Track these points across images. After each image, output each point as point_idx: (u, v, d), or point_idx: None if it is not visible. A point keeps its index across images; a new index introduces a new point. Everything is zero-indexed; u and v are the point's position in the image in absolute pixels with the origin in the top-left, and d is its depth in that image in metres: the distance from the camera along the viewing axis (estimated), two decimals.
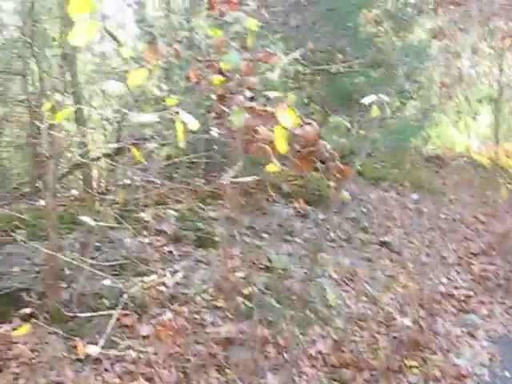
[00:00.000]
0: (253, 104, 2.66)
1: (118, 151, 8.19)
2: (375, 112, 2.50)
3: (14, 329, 3.43)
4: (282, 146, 2.17)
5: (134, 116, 2.16)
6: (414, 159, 8.49)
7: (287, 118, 2.11)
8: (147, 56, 2.58)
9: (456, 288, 5.75)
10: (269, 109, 2.56)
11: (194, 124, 1.98)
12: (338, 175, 2.80)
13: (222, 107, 2.58)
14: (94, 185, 7.82)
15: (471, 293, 5.72)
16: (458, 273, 6.15)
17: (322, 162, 2.80)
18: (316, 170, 2.93)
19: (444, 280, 5.83)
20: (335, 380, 3.79)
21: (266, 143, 2.51)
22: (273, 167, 2.32)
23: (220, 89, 2.60)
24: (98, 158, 8.08)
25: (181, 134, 2.00)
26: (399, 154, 8.56)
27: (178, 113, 1.95)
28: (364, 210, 6.56)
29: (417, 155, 8.84)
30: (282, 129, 2.14)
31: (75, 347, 3.58)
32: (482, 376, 4.13)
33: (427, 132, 9.59)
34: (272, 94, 2.35)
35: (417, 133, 9.25)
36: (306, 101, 7.22)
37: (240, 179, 2.71)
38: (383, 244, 6.07)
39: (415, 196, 7.23)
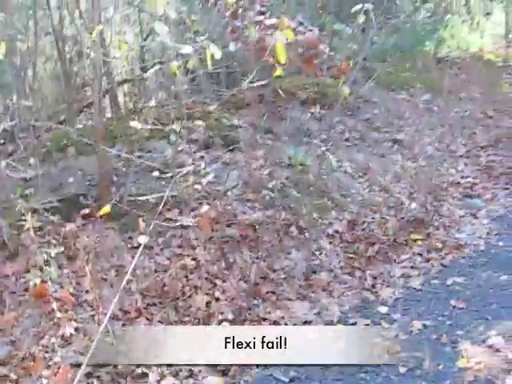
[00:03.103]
0: (261, 18, 3.19)
1: (142, 76, 8.70)
2: (360, 19, 2.99)
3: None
4: (282, 57, 2.70)
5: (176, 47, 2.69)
6: (426, 61, 8.82)
7: (283, 35, 2.63)
8: None
9: (463, 177, 6.27)
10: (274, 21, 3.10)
11: (218, 54, 2.52)
12: (338, 72, 3.35)
13: (236, 23, 3.10)
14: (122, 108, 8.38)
15: (477, 181, 6.23)
16: (466, 164, 6.64)
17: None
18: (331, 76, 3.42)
19: (452, 171, 6.36)
20: (350, 253, 4.47)
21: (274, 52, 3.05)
22: (278, 72, 2.85)
23: (233, 6, 3.11)
24: (124, 82, 8.61)
25: (209, 61, 2.55)
26: (412, 58, 8.91)
27: (208, 45, 2.49)
28: (377, 111, 7.05)
29: (429, 57, 9.16)
30: (281, 44, 2.66)
31: (129, 238, 4.31)
32: (478, 246, 4.72)
33: (441, 34, 9.82)
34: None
35: (430, 35, 9.51)
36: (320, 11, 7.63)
37: (256, 84, 3.27)
38: (395, 141, 6.58)
39: (426, 96, 7.63)
